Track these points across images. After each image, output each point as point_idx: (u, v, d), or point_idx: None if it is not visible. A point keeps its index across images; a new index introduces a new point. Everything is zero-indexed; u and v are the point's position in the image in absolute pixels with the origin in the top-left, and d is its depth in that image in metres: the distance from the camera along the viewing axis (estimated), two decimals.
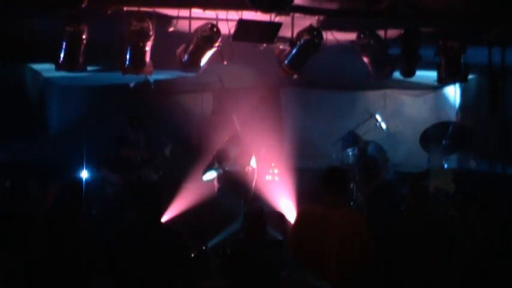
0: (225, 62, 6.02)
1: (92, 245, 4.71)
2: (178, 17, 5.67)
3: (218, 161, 7.50)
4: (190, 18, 5.67)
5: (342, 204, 4.42)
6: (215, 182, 7.55)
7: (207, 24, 5.66)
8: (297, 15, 5.68)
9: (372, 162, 7.74)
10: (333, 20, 5.84)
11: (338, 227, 4.22)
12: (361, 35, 6.02)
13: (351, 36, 6.08)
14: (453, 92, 9.24)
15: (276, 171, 8.11)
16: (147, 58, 5.73)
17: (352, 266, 4.18)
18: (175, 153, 7.76)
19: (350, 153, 7.87)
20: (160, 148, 7.70)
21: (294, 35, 5.91)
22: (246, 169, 7.60)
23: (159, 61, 5.87)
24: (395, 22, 5.91)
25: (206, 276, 6.00)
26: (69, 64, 5.66)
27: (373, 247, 4.23)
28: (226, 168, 7.47)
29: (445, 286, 4.46)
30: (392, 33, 6.05)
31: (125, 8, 5.44)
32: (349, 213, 4.52)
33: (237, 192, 7.17)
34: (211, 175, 7.53)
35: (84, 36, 5.49)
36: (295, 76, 6.23)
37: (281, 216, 7.52)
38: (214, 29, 5.68)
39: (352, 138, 7.90)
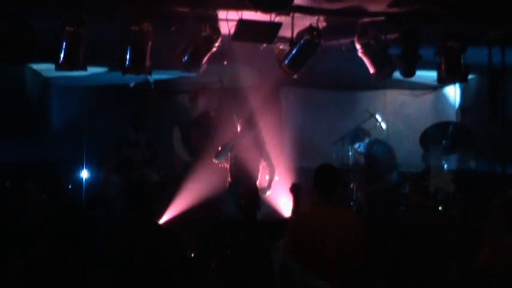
0: (225, 62, 6.02)
1: (92, 245, 4.71)
2: (178, 17, 5.67)
3: (247, 123, 7.38)
4: (190, 18, 5.67)
5: (335, 203, 4.40)
6: (228, 178, 7.49)
7: (207, 24, 5.67)
8: (297, 15, 5.68)
9: (376, 161, 7.70)
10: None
11: (330, 226, 4.22)
12: (361, 35, 6.02)
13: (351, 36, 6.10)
14: (453, 92, 9.23)
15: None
16: (147, 58, 5.73)
17: (347, 264, 4.18)
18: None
19: (357, 149, 7.84)
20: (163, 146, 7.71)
21: (294, 35, 5.91)
22: (260, 164, 7.53)
23: (159, 61, 5.87)
24: (395, 22, 5.91)
25: (206, 276, 6.00)
26: (69, 64, 5.66)
27: (367, 245, 4.22)
28: (239, 155, 7.35)
29: (446, 285, 4.46)
30: (392, 33, 6.06)
31: (125, 8, 5.45)
32: (342, 212, 4.50)
33: (245, 185, 7.11)
34: (223, 156, 7.44)
35: (84, 36, 5.49)
36: (295, 76, 6.23)
37: None
38: (214, 29, 5.68)
39: (360, 134, 7.86)
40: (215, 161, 7.44)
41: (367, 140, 7.81)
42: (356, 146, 7.87)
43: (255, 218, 4.92)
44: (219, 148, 7.46)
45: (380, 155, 7.74)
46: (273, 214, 7.56)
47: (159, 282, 4.27)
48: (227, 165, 7.49)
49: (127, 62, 5.71)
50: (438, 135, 7.70)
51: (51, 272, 4.43)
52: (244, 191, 5.16)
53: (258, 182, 7.43)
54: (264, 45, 5.99)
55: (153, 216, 4.67)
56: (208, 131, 8.29)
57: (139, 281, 4.23)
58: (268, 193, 7.36)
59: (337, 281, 4.14)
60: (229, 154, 7.41)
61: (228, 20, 5.63)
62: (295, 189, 5.26)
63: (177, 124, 8.65)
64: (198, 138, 8.45)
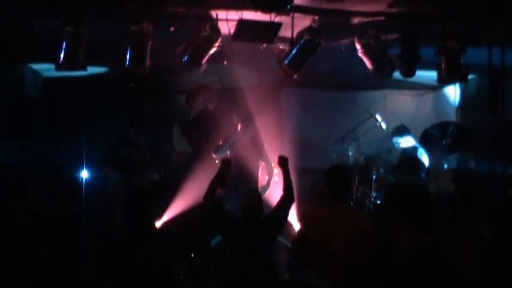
0: (225, 62, 6.02)
1: (92, 245, 4.71)
2: (178, 17, 5.67)
3: (245, 122, 7.39)
4: (190, 18, 5.67)
5: (344, 204, 4.42)
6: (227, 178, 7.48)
7: (207, 24, 5.67)
8: (297, 15, 5.68)
9: (403, 161, 7.67)
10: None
11: (342, 227, 4.22)
12: (361, 35, 6.02)
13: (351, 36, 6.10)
14: (453, 92, 9.23)
15: (276, 171, 8.09)
16: (147, 58, 5.73)
17: (356, 265, 4.18)
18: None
19: (394, 143, 7.80)
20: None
21: (294, 35, 5.91)
22: (259, 162, 7.54)
23: (159, 61, 5.87)
24: (395, 22, 5.91)
25: (206, 276, 6.00)
26: (69, 64, 5.65)
27: (376, 246, 4.22)
28: (238, 154, 7.35)
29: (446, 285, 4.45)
30: (392, 33, 6.06)
31: (125, 8, 5.45)
32: (352, 213, 4.53)
33: (244, 183, 7.08)
34: (223, 151, 7.45)
35: (84, 36, 5.49)
36: (295, 76, 6.23)
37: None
38: (214, 29, 5.69)
39: (404, 131, 7.80)
40: (215, 156, 7.46)
41: (410, 140, 7.71)
42: (394, 139, 7.81)
43: (258, 220, 4.92)
44: (220, 143, 7.47)
45: (407, 156, 7.70)
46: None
47: (159, 283, 4.27)
48: None
49: (127, 62, 5.71)
50: (438, 135, 7.71)
51: (50, 272, 4.43)
52: (245, 192, 5.17)
53: (258, 183, 7.44)
54: (264, 45, 5.99)
55: (153, 216, 4.68)
56: (207, 129, 8.30)
57: (139, 281, 4.23)
58: (267, 192, 7.37)
59: (345, 281, 4.14)
60: (228, 153, 7.42)
61: (228, 20, 5.63)
62: (283, 162, 5.23)
63: (177, 123, 8.66)
64: (197, 137, 8.46)
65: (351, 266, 4.16)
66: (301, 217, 4.63)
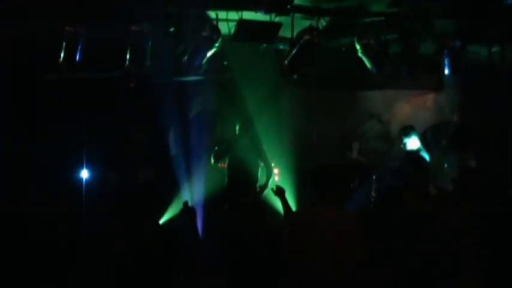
0: (225, 62, 6.03)
1: (91, 245, 4.72)
2: (178, 17, 5.68)
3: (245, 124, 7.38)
4: (190, 18, 5.68)
5: (334, 204, 4.42)
6: (226, 179, 7.50)
7: (207, 24, 5.68)
8: (297, 15, 5.69)
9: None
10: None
11: (330, 227, 4.22)
12: (361, 35, 6.03)
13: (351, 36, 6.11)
14: (453, 92, 9.23)
15: (275, 171, 8.10)
16: (147, 58, 5.74)
17: (344, 265, 4.18)
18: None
19: (404, 140, 7.77)
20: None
21: (294, 35, 5.92)
22: (258, 165, 7.54)
23: (159, 61, 5.88)
24: (395, 22, 5.92)
25: (206, 276, 6.00)
26: (69, 64, 5.66)
27: (367, 246, 4.22)
28: (236, 155, 7.36)
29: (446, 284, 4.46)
30: (392, 33, 6.07)
31: (124, 9, 5.46)
32: (339, 213, 4.51)
33: (243, 184, 7.08)
34: (220, 155, 7.46)
35: (84, 36, 5.50)
36: (295, 76, 6.24)
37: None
38: (214, 29, 5.70)
39: (411, 132, 7.78)
40: (212, 160, 7.46)
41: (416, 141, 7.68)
42: (401, 139, 7.77)
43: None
44: (216, 147, 7.47)
45: (411, 157, 7.67)
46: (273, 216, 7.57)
47: (159, 282, 4.28)
48: (225, 166, 7.50)
49: (127, 62, 5.72)
50: (438, 135, 7.70)
51: (50, 273, 4.44)
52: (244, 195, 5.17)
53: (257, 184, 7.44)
54: (264, 45, 6.00)
55: (152, 216, 4.69)
56: (206, 130, 8.32)
57: (139, 280, 4.24)
58: (265, 192, 7.38)
59: (335, 282, 4.14)
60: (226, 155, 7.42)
61: (228, 20, 5.64)
62: (279, 192, 5.29)
63: (174, 124, 8.67)
64: (195, 139, 8.47)
65: (339, 266, 4.16)
66: (290, 219, 4.62)
